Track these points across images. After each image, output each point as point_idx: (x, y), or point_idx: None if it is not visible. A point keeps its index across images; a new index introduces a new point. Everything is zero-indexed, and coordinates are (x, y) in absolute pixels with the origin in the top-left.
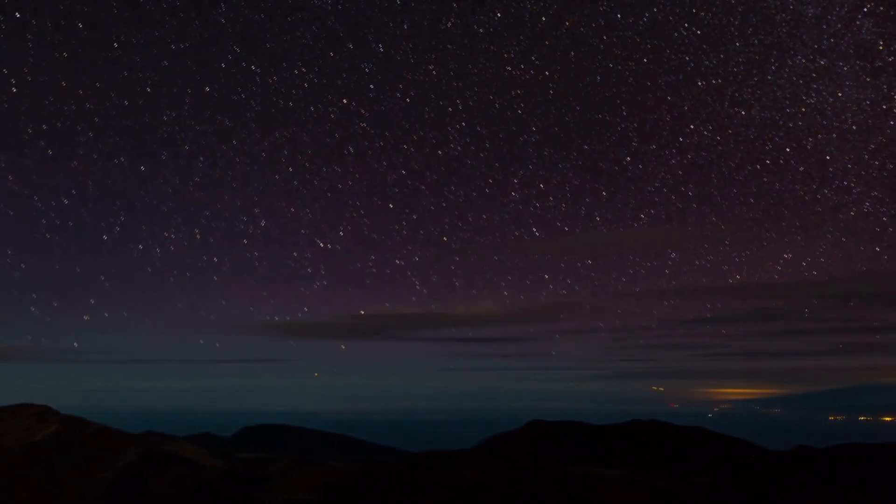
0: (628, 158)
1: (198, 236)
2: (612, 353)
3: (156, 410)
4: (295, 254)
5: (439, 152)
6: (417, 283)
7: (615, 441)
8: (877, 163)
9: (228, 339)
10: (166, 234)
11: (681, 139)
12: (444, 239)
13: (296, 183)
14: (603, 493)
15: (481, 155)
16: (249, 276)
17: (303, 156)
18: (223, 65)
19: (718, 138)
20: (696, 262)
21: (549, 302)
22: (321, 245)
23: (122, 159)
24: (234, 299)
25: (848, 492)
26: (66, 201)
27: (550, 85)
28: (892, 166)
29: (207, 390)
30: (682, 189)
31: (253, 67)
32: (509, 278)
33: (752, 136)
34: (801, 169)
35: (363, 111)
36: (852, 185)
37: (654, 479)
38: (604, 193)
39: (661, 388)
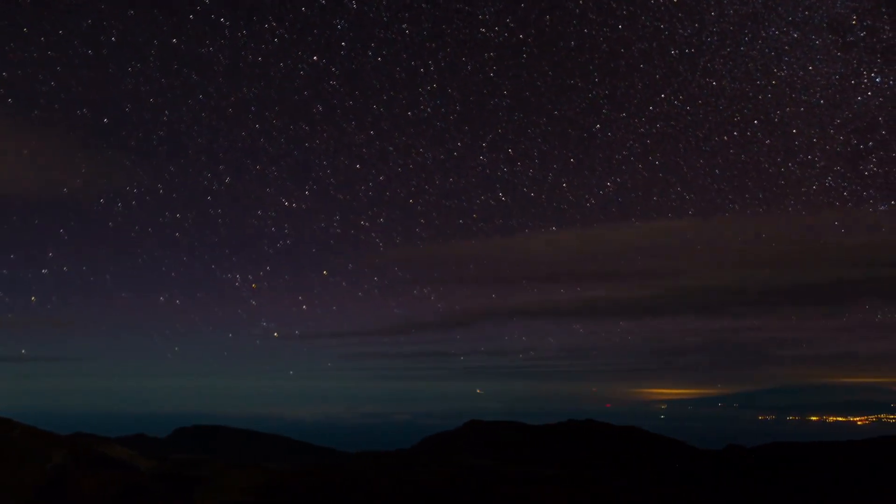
0: (598, 126)
1: (161, 191)
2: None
3: (88, 411)
4: (259, 212)
5: (409, 113)
6: (381, 244)
7: (552, 441)
8: (842, 138)
9: (187, 298)
10: (128, 188)
11: (651, 108)
12: (410, 202)
13: (262, 140)
14: (538, 493)
15: (451, 118)
16: (212, 234)
17: (270, 113)
18: (191, 17)
19: (688, 108)
20: (660, 241)
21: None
22: (286, 204)
23: (85, 111)
24: (195, 256)
25: (776, 489)
26: (25, 152)
27: (524, 49)
28: (856, 142)
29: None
30: (650, 158)
31: (222, 20)
32: (473, 242)
33: (721, 108)
34: (768, 142)
35: (333, 69)
36: (816, 159)
37: (588, 479)
38: (572, 160)
39: (595, 389)
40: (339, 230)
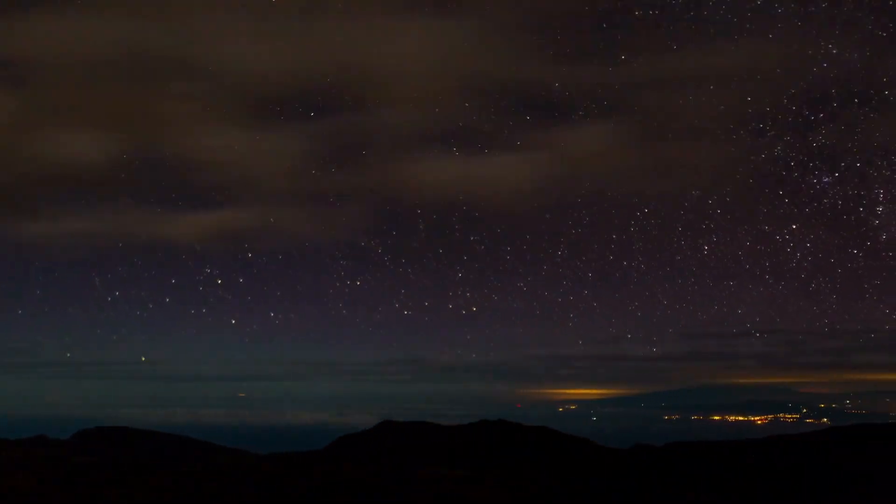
0: (557, 84)
1: None
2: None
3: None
4: None
5: None
6: (331, 196)
7: (464, 441)
8: (794, 108)
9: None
10: None
11: (611, 69)
12: (363, 153)
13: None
14: (449, 492)
15: None
16: (159, 175)
17: None
18: None
19: (647, 69)
20: (609, 194)
21: None
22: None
23: None
24: (139, 198)
25: (682, 487)
26: None
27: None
28: (807, 112)
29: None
30: (606, 121)
31: None
32: (424, 195)
33: (681, 72)
34: (722, 108)
35: None
36: (767, 128)
37: (499, 478)
38: (528, 118)
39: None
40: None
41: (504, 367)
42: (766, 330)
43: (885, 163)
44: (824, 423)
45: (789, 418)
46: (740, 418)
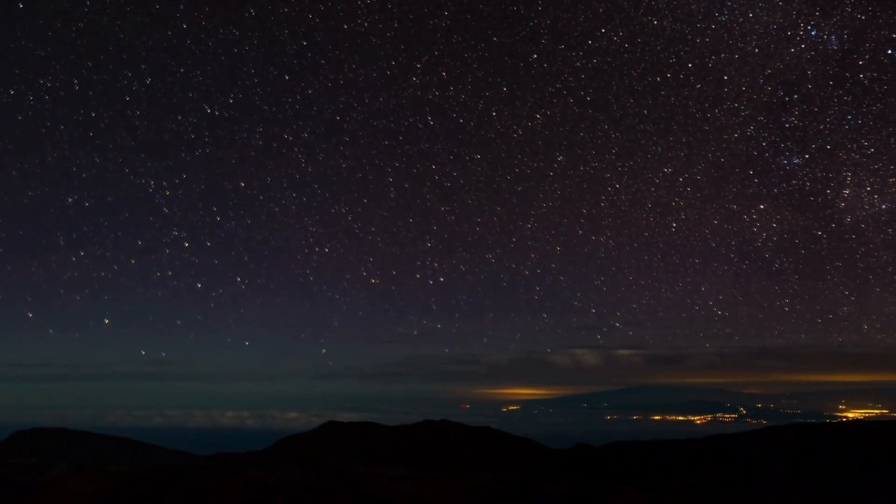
0: (535, 56)
1: (76, 87)
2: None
3: None
4: (179, 117)
5: (345, 26)
6: (303, 160)
7: (408, 441)
8: (769, 88)
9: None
10: (41, 81)
11: (590, 42)
12: (337, 118)
13: (189, 42)
14: (392, 493)
15: (388, 34)
16: (128, 135)
17: (199, 13)
18: None
19: (626, 46)
20: (581, 168)
21: None
22: (208, 111)
23: None
24: (107, 157)
25: (622, 486)
26: None
27: None
28: (782, 93)
29: None
30: (581, 93)
31: None
32: (397, 164)
33: (658, 48)
34: (699, 86)
35: None
36: (742, 107)
37: (442, 478)
38: (504, 89)
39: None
40: (260, 142)
41: (471, 334)
42: (728, 306)
43: (854, 146)
44: (761, 423)
45: (728, 418)
46: (680, 418)
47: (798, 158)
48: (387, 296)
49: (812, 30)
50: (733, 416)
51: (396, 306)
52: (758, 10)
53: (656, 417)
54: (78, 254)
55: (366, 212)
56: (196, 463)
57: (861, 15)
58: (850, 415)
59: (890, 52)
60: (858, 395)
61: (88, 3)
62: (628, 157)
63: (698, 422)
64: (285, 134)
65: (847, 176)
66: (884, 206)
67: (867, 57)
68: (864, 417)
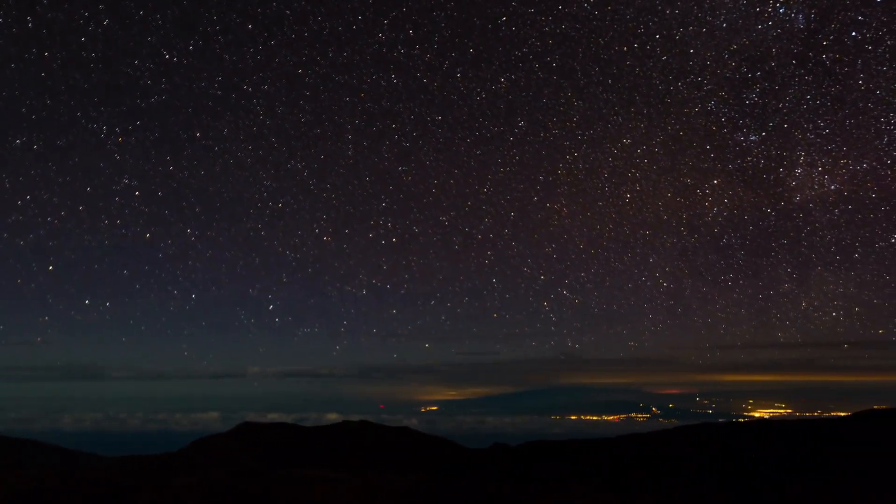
0: (504, 18)
1: (30, 25)
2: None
3: None
4: (136, 61)
5: None
6: (261, 112)
7: (325, 442)
8: (733, 64)
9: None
10: None
11: (560, 7)
12: (299, 71)
13: None
14: (309, 494)
15: None
16: (81, 78)
17: None
18: None
19: (596, 13)
20: (541, 134)
21: None
22: (166, 56)
23: None
24: (59, 100)
25: (538, 485)
26: None
27: None
28: (745, 69)
29: None
30: (547, 59)
31: None
32: (357, 122)
33: (628, 17)
34: (664, 58)
35: None
36: (705, 81)
37: (360, 479)
38: (471, 50)
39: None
40: (219, 92)
41: (420, 295)
42: (674, 279)
43: (810, 126)
44: (673, 422)
45: (641, 417)
46: (595, 418)
47: (755, 135)
48: (338, 254)
49: (780, 7)
50: (646, 415)
51: (347, 264)
52: None
53: (572, 417)
54: (24, 198)
55: (322, 168)
56: (107, 466)
57: None
58: (757, 414)
59: (854, 33)
60: (765, 395)
61: None
62: (589, 126)
63: (613, 421)
64: (245, 84)
65: (801, 155)
66: (832, 187)
67: (831, 38)
68: (770, 416)
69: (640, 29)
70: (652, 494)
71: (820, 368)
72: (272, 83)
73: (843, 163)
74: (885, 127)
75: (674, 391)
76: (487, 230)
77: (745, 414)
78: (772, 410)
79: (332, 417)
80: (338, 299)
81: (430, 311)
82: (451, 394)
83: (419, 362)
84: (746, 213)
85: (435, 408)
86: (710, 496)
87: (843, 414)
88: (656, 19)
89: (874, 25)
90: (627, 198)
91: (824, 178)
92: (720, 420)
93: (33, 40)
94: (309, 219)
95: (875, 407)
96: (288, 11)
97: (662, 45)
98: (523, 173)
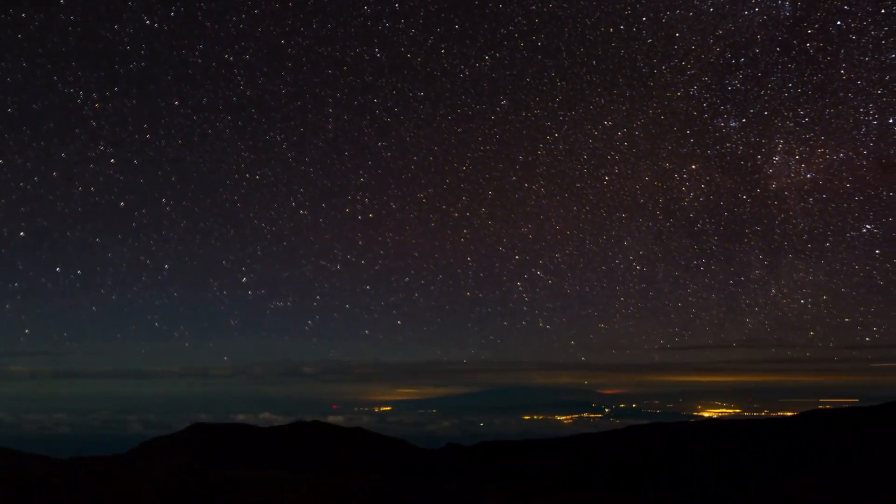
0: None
1: None
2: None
3: None
4: (116, 26)
5: None
6: (242, 82)
7: (279, 443)
8: (718, 49)
9: (21, 109)
10: None
11: None
12: (282, 42)
13: None
14: (260, 495)
15: None
16: (59, 41)
17: None
18: None
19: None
20: (523, 114)
21: None
22: (146, 21)
23: None
24: (35, 63)
25: (488, 485)
26: None
27: None
28: (729, 55)
29: None
30: (533, 38)
31: None
32: (338, 95)
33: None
34: (650, 41)
35: None
36: (689, 66)
37: (313, 480)
38: (456, 26)
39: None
40: (199, 60)
41: (394, 271)
42: (648, 262)
43: (791, 114)
44: (624, 421)
45: (593, 417)
46: (548, 418)
47: (735, 122)
48: (313, 228)
49: None
50: (598, 415)
51: (322, 239)
52: None
53: (525, 417)
54: None
55: (301, 141)
56: (55, 468)
57: None
58: (706, 414)
59: (839, 22)
60: (714, 396)
61: None
62: (570, 107)
63: (565, 421)
64: (226, 54)
65: (779, 143)
66: (808, 176)
67: (817, 26)
68: (719, 417)
69: (628, 10)
70: (605, 494)
71: (767, 370)
72: (254, 53)
73: (821, 152)
74: (864, 118)
75: (624, 391)
76: (465, 208)
77: (695, 414)
78: (721, 410)
79: (284, 419)
80: (312, 273)
81: (403, 288)
82: (404, 393)
83: (382, 353)
84: (722, 199)
85: (388, 408)
86: (664, 495)
87: (789, 413)
88: (644, 1)
89: (859, 15)
90: (606, 180)
91: (801, 167)
92: (671, 420)
93: (9, 1)
94: (286, 192)
95: (820, 406)
96: None
97: (648, 28)
98: (503, 152)
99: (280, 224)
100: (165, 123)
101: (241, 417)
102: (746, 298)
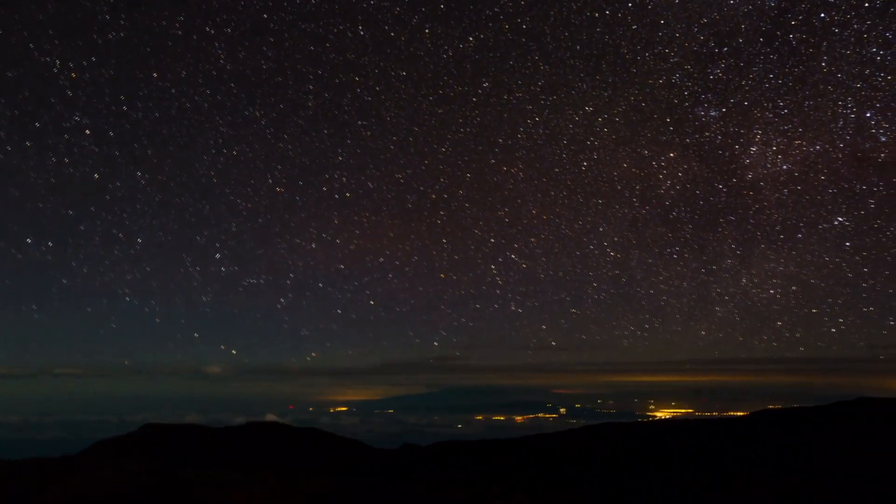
0: None
1: None
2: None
3: None
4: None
5: None
6: (222, 56)
7: (232, 443)
8: (702, 38)
9: None
10: None
11: None
12: (264, 16)
13: None
14: (213, 496)
15: None
16: (37, 9)
17: None
18: None
19: None
20: (504, 97)
21: None
22: None
23: None
24: (12, 30)
25: (443, 485)
26: None
27: None
28: (713, 44)
29: None
30: (518, 20)
31: None
32: (320, 72)
33: None
34: (635, 27)
35: None
36: (672, 54)
37: (265, 480)
38: (441, 6)
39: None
40: (179, 32)
41: (369, 252)
42: (622, 249)
43: (770, 105)
44: (579, 422)
45: (548, 417)
46: (503, 418)
47: (715, 111)
48: (289, 205)
49: None
50: (553, 415)
51: (298, 217)
52: None
53: (479, 417)
54: None
55: (280, 117)
56: (2, 469)
57: None
58: (659, 415)
59: (823, 15)
60: (666, 396)
61: None
62: (552, 92)
63: (520, 420)
64: (207, 27)
65: (757, 134)
66: (784, 167)
67: (800, 18)
68: (672, 417)
69: None
70: (561, 494)
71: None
72: (235, 27)
73: (798, 144)
74: (842, 111)
75: (580, 391)
76: (442, 190)
77: (648, 414)
78: (673, 411)
79: (239, 420)
80: (286, 251)
81: (377, 269)
82: (362, 394)
83: (353, 342)
84: (699, 188)
85: (344, 408)
86: (620, 495)
87: (740, 413)
88: None
89: (843, 9)
90: (584, 166)
91: (777, 158)
92: (625, 420)
93: None
94: (263, 168)
95: (770, 406)
96: None
97: (634, 14)
98: (483, 135)
99: (256, 201)
100: (143, 96)
101: (192, 418)
102: (717, 287)
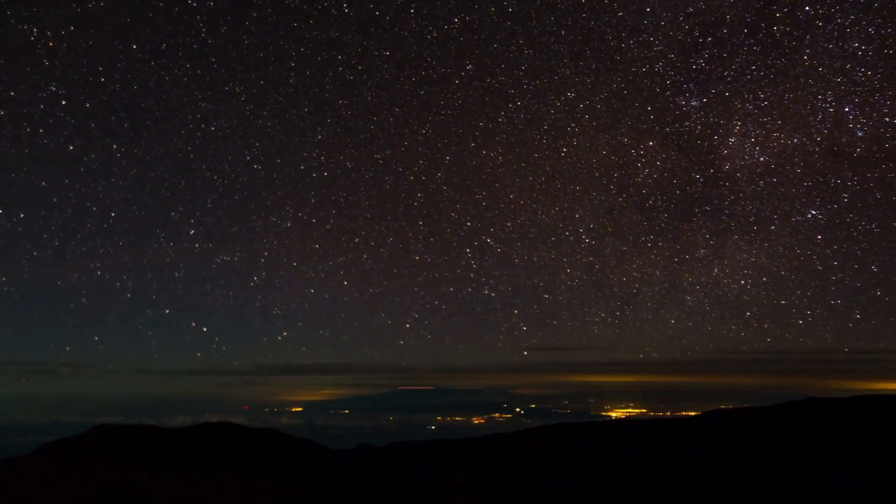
0: None
1: None
2: None
3: None
4: None
5: None
6: (204, 30)
7: (185, 445)
8: (687, 27)
9: None
10: None
11: None
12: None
13: None
14: (164, 498)
15: None
16: None
17: None
18: None
19: None
20: (487, 80)
21: None
22: None
23: None
24: None
25: (402, 485)
26: None
27: None
28: (697, 33)
29: None
30: (504, 3)
31: None
32: (302, 49)
33: None
34: (620, 14)
35: None
36: (656, 42)
37: (219, 482)
38: None
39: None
40: (161, 4)
41: (344, 232)
42: (597, 236)
43: (751, 97)
44: (535, 421)
45: (504, 418)
46: (459, 419)
47: (696, 101)
48: (266, 183)
49: None
50: (509, 415)
51: (274, 195)
52: None
53: (438, 418)
54: None
55: (261, 94)
56: None
57: None
58: (614, 414)
59: (807, 8)
60: (621, 397)
61: None
62: (535, 76)
63: (476, 422)
64: (193, 2)
65: (737, 125)
66: (762, 159)
67: (785, 10)
68: (626, 416)
69: None
70: (515, 495)
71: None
72: (218, 0)
73: (776, 136)
74: (821, 104)
75: (536, 391)
76: (420, 172)
77: (603, 414)
78: (628, 411)
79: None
80: (261, 229)
81: (352, 249)
82: (317, 394)
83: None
84: (676, 178)
85: (300, 409)
86: (577, 495)
87: (692, 413)
88: None
89: (828, 2)
90: (563, 152)
91: (755, 150)
92: (580, 420)
93: None
94: (241, 145)
95: (722, 407)
96: None
97: (620, 1)
98: (464, 118)
99: (233, 177)
100: (121, 67)
101: (146, 419)
102: (689, 276)
